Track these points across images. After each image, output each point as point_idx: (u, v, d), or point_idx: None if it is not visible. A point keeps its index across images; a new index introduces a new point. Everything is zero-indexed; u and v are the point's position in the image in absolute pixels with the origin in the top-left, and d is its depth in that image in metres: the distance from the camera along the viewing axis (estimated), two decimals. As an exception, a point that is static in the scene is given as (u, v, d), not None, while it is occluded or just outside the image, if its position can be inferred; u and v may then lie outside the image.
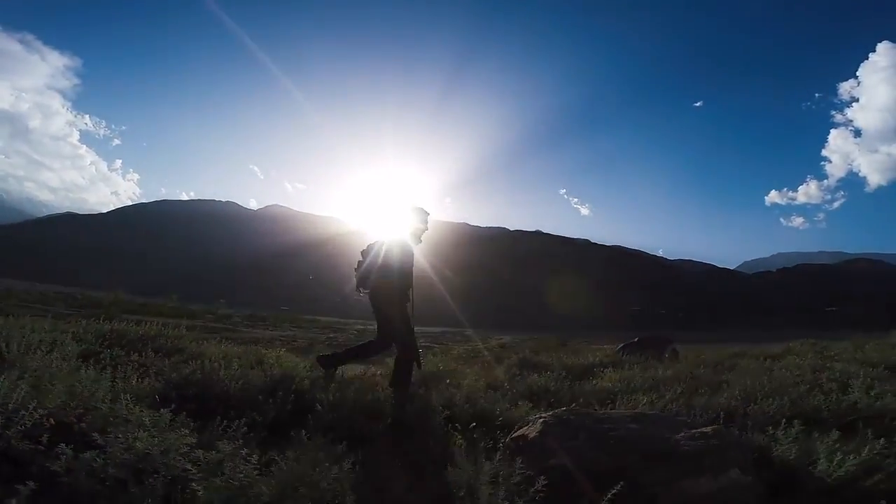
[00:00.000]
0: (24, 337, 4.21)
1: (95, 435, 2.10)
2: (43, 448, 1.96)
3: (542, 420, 2.89)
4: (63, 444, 1.92)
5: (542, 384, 4.85)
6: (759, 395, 4.15)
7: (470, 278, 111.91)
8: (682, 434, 2.67)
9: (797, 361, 7.38)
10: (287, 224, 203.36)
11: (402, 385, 4.31)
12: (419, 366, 4.82)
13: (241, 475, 1.96)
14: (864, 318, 79.99)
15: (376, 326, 4.70)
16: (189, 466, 2.00)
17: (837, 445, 2.72)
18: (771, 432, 3.00)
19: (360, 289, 4.67)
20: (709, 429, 2.73)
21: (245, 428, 2.66)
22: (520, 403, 4.24)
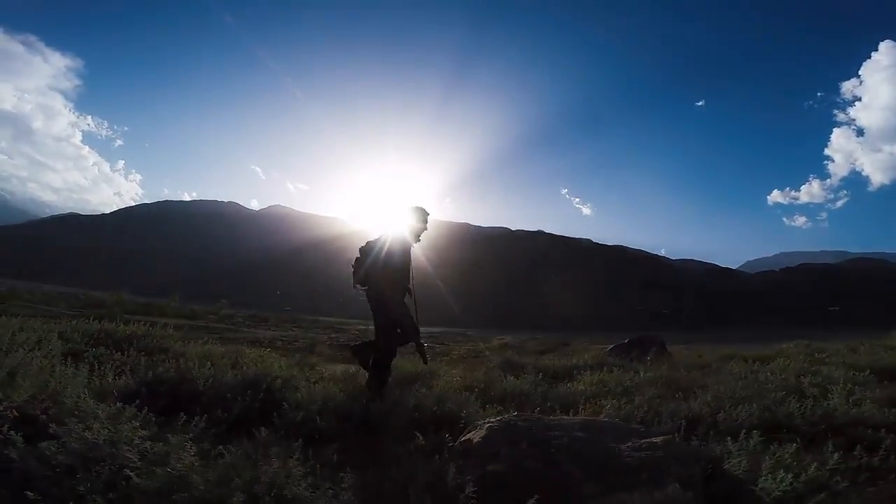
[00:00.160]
0: (13, 335, 4.35)
1: (53, 426, 2.25)
2: (1, 437, 2.11)
3: (488, 425, 2.88)
4: (14, 433, 2.07)
5: (517, 386, 4.82)
6: (727, 402, 4.07)
7: (471, 278, 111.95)
8: (629, 444, 2.60)
9: (785, 364, 7.35)
10: (289, 224, 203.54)
11: (377, 388, 4.36)
12: (425, 361, 4.90)
13: (182, 466, 2.08)
14: (868, 318, 79.71)
15: (375, 327, 4.72)
16: (132, 456, 2.13)
17: (789, 460, 2.62)
18: (729, 443, 2.92)
19: (358, 285, 4.72)
20: (659, 439, 2.65)
21: (203, 423, 2.76)
22: (488, 407, 4.23)
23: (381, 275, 4.59)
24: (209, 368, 4.05)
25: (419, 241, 4.86)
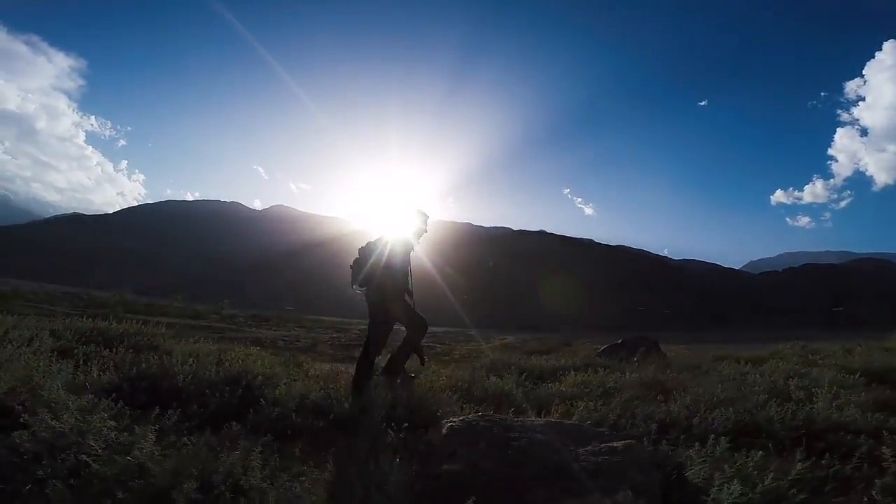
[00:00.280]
0: (6, 332, 4.50)
1: (26, 416, 2.40)
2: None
3: (450, 424, 2.89)
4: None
5: (499, 387, 4.82)
6: (702, 406, 3.97)
7: (473, 278, 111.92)
8: (589, 448, 2.57)
9: (776, 366, 7.26)
10: (291, 224, 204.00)
11: (358, 385, 4.41)
12: (422, 362, 4.92)
13: (142, 455, 2.20)
14: (872, 319, 79.40)
15: (368, 326, 4.79)
16: (95, 445, 2.25)
17: (751, 468, 2.53)
18: (696, 448, 2.82)
19: (356, 286, 4.76)
20: (620, 443, 2.61)
21: (176, 417, 2.87)
22: (467, 406, 4.31)
23: (381, 276, 4.61)
24: (191, 365, 4.14)
25: (419, 243, 4.90)
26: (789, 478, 2.47)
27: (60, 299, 22.19)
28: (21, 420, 2.38)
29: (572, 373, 5.72)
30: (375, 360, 4.80)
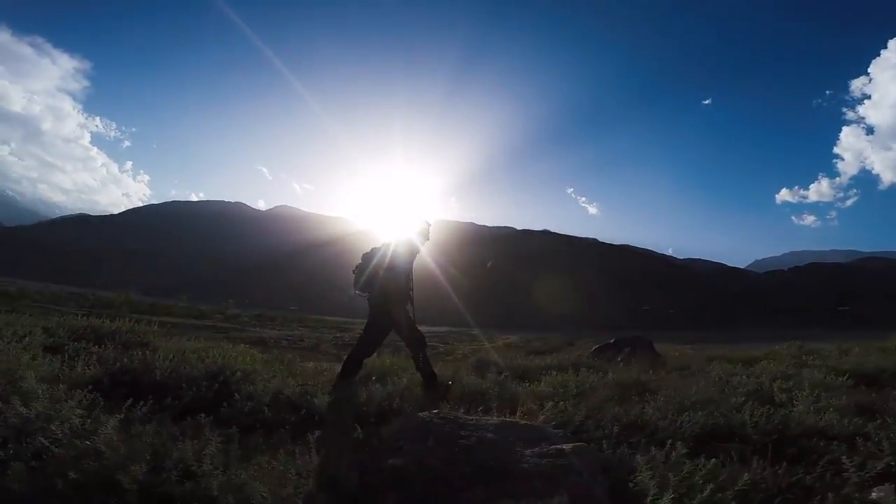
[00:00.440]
0: None
1: (0, 404, 2.55)
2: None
3: (402, 420, 2.93)
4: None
5: (477, 385, 4.83)
6: (671, 409, 3.87)
7: (477, 278, 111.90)
8: (536, 449, 2.53)
9: (767, 367, 7.11)
10: (295, 224, 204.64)
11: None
12: (418, 368, 4.95)
13: (100, 440, 2.34)
14: (878, 318, 78.87)
15: (365, 327, 4.87)
16: (57, 430, 2.40)
17: (697, 477, 2.45)
18: (652, 453, 2.77)
19: (359, 291, 4.81)
20: (569, 446, 2.57)
21: (146, 408, 3.03)
22: (443, 404, 4.34)
23: (384, 278, 4.67)
24: (171, 360, 4.24)
25: (420, 250, 4.95)
26: (736, 487, 2.39)
27: (66, 299, 22.37)
28: None
29: (554, 373, 5.71)
30: (363, 361, 4.85)
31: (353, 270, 4.83)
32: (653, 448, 2.82)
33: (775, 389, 4.96)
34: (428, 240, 5.02)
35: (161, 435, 2.66)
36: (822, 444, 3.35)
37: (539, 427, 2.99)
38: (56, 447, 2.29)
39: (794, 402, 4.38)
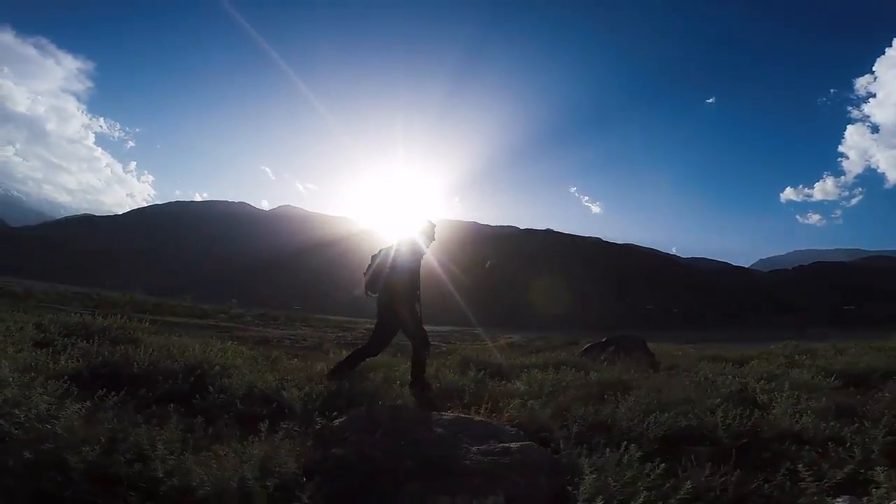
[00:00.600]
0: None
1: None
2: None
3: (353, 412, 2.96)
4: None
5: (454, 382, 4.86)
6: (640, 410, 3.76)
7: (480, 278, 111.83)
8: (484, 447, 2.52)
9: (757, 366, 7.09)
10: (299, 224, 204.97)
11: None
12: (426, 358, 5.05)
13: (60, 424, 2.48)
14: (883, 317, 78.33)
15: (374, 327, 4.93)
16: (19, 414, 2.52)
17: (640, 483, 2.37)
18: (606, 455, 2.70)
19: (369, 292, 4.88)
20: (516, 444, 2.56)
21: (116, 398, 3.18)
22: (421, 401, 4.37)
23: (388, 278, 4.73)
24: (151, 355, 4.37)
25: (426, 252, 5.00)
26: (678, 496, 2.32)
27: (71, 299, 22.52)
28: None
29: (535, 371, 5.68)
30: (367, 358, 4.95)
31: (364, 273, 4.91)
32: (608, 450, 2.78)
33: (757, 390, 4.90)
34: (433, 240, 5.06)
35: (123, 421, 2.79)
36: (793, 448, 3.27)
37: (493, 425, 3.00)
38: (17, 430, 2.41)
39: (774, 403, 4.30)
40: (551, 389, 4.59)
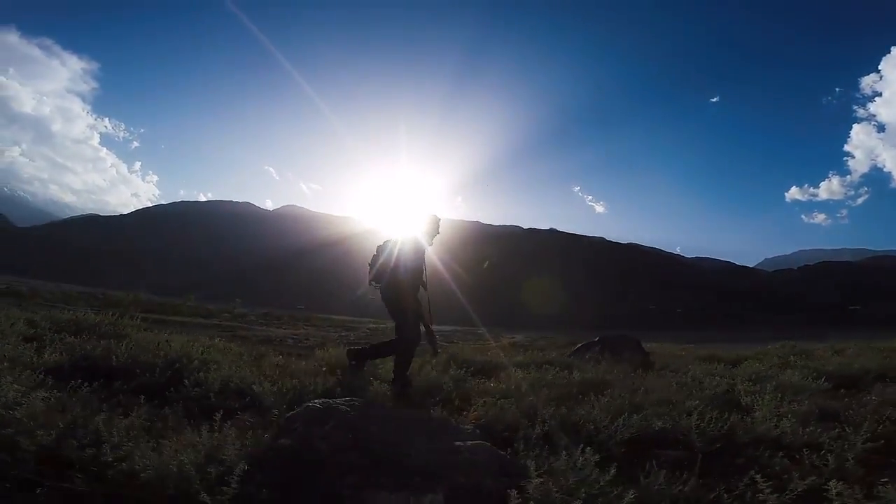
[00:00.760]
0: None
1: None
2: None
3: (308, 404, 2.94)
4: None
5: (434, 380, 4.89)
6: (608, 411, 3.64)
7: (483, 277, 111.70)
8: (434, 444, 2.51)
9: (749, 367, 7.02)
10: (302, 224, 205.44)
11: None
12: (435, 352, 5.14)
13: (24, 411, 2.58)
14: (889, 317, 77.86)
15: (394, 325, 4.99)
16: None
17: (585, 489, 2.31)
18: (562, 458, 2.63)
19: (374, 283, 4.98)
20: (468, 443, 2.53)
21: (87, 389, 3.33)
22: (402, 398, 4.38)
23: (391, 275, 4.83)
24: (131, 349, 4.48)
25: (431, 244, 5.10)
26: None
27: (76, 298, 22.69)
28: None
29: (518, 370, 5.64)
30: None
31: (369, 263, 5.00)
32: (564, 453, 2.70)
33: (741, 392, 4.78)
34: (438, 233, 5.13)
35: (86, 410, 2.91)
36: (766, 455, 3.15)
37: (452, 423, 2.97)
38: None
39: (756, 406, 4.18)
40: (527, 388, 4.56)
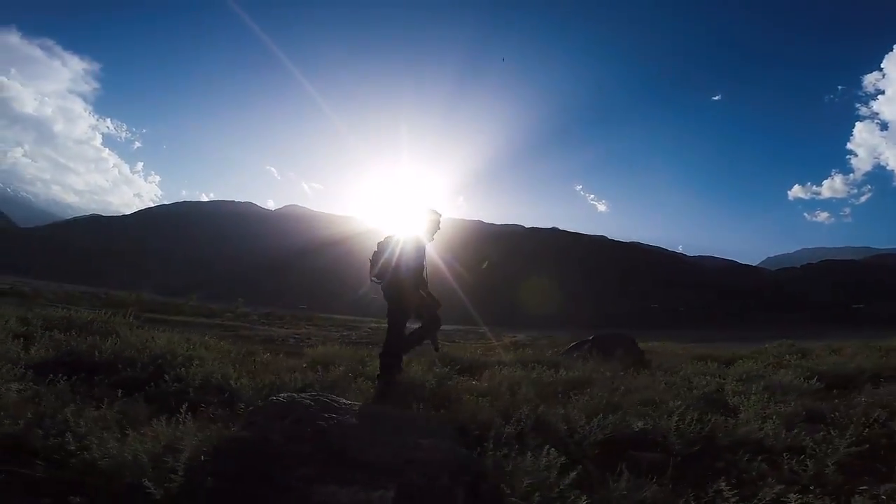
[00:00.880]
0: None
1: None
2: None
3: (272, 398, 2.96)
4: None
5: (417, 377, 4.93)
6: (582, 412, 3.53)
7: (485, 276, 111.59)
8: (392, 440, 2.51)
9: (742, 366, 7.01)
10: (304, 224, 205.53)
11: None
12: (436, 349, 5.20)
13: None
14: (893, 316, 77.45)
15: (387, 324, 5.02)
16: None
17: (540, 493, 2.26)
18: (528, 459, 2.58)
19: (375, 280, 5.04)
20: (427, 440, 2.51)
21: (63, 382, 3.43)
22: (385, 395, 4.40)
23: (393, 274, 4.88)
24: (116, 345, 4.57)
25: (432, 240, 5.16)
26: None
27: (79, 299, 22.82)
28: None
29: (503, 368, 5.60)
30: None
31: (370, 259, 5.05)
32: (529, 454, 2.66)
33: (729, 392, 4.72)
34: (439, 229, 5.16)
35: (59, 401, 3.02)
36: (745, 459, 3.04)
37: (419, 420, 2.95)
38: None
39: (741, 407, 4.12)
40: (508, 387, 4.50)
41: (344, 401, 2.99)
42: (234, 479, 2.22)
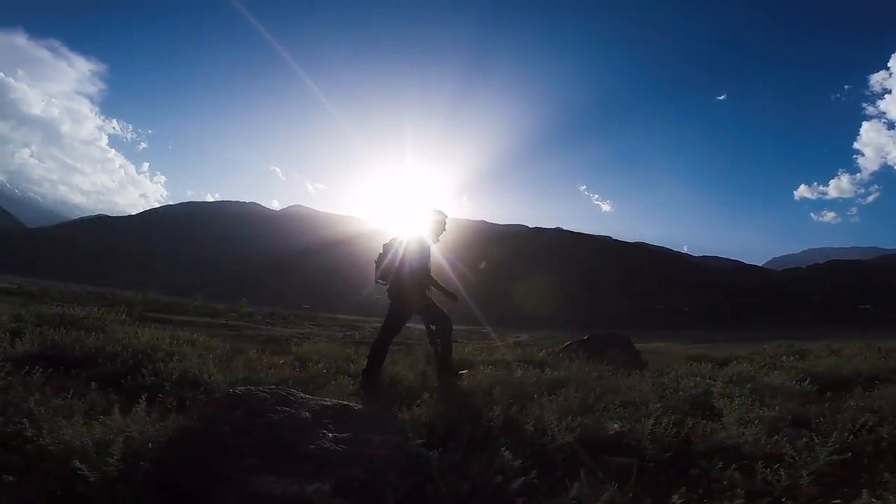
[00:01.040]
0: None
1: None
2: None
3: (230, 391, 2.97)
4: None
5: (399, 374, 4.94)
6: (555, 413, 3.41)
7: (489, 276, 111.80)
8: (343, 435, 2.50)
9: (736, 367, 6.74)
10: (309, 224, 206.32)
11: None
12: (435, 352, 5.19)
13: None
14: (900, 316, 76.87)
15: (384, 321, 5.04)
16: None
17: (476, 497, 2.22)
18: (484, 459, 2.52)
19: (380, 280, 5.03)
20: (377, 437, 2.53)
21: (39, 374, 3.48)
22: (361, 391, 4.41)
23: (397, 273, 4.89)
24: (98, 340, 4.63)
25: (437, 241, 5.18)
26: None
27: (85, 298, 23.02)
28: None
29: (489, 368, 5.56)
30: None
31: (376, 260, 5.06)
32: (484, 455, 2.58)
33: (716, 395, 4.57)
34: (444, 230, 5.18)
35: (27, 391, 3.10)
36: (719, 466, 2.89)
37: (376, 417, 2.92)
38: None
39: (725, 410, 3.95)
40: (488, 385, 4.42)
41: (302, 395, 2.99)
42: (174, 466, 2.28)
